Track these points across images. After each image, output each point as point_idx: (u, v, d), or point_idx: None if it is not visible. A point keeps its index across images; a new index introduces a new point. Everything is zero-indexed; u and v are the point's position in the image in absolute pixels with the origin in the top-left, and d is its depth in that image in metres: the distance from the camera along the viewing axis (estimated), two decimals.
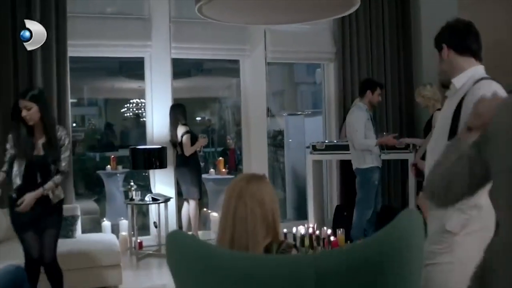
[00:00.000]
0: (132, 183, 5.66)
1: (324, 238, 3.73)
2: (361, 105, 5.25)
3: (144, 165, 5.47)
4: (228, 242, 1.92)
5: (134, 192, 5.51)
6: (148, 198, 5.51)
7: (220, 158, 7.91)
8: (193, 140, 5.82)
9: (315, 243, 3.60)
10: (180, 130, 5.77)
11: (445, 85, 2.44)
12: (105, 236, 5.30)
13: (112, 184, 9.13)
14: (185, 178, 5.82)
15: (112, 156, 8.67)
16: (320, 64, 6.99)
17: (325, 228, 3.89)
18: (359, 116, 5.17)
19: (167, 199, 5.52)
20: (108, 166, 8.29)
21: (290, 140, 8.12)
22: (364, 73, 6.51)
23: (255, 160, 6.35)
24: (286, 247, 1.99)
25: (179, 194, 6.08)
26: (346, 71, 6.51)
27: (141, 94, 11.72)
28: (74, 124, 10.98)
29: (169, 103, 5.96)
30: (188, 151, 5.73)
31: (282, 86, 11.47)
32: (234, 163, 9.41)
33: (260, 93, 6.38)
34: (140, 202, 5.54)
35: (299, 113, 8.95)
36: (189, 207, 5.89)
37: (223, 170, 7.32)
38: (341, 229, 3.85)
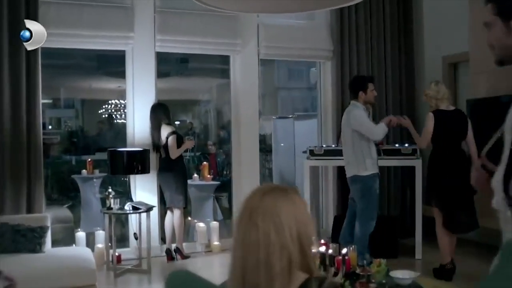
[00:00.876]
0: (110, 190, 5.03)
1: (334, 256, 3.19)
2: (358, 104, 4.72)
3: (124, 170, 4.82)
4: (239, 279, 1.33)
5: (112, 200, 4.86)
6: (128, 206, 4.86)
7: (205, 162, 7.31)
8: (179, 142, 5.21)
9: (327, 263, 3.05)
10: (165, 130, 5.15)
11: (504, 62, 1.93)
12: (79, 250, 4.65)
13: (88, 190, 8.49)
14: (169, 184, 5.19)
15: (89, 160, 8.15)
16: (316, 62, 6.44)
17: (333, 244, 3.36)
18: (360, 112, 4.65)
19: (149, 208, 4.88)
20: (84, 170, 7.66)
21: (282, 144, 7.58)
22: (363, 71, 5.99)
23: (246, 164, 5.76)
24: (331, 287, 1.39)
25: (161, 201, 5.46)
26: (345, 70, 5.97)
27: (120, 95, 11.17)
28: (50, 127, 10.67)
29: (152, 102, 5.34)
30: (174, 153, 5.12)
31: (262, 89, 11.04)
32: (216, 168, 8.81)
33: (252, 93, 5.79)
34: (119, 212, 4.87)
35: (290, 116, 8.39)
36: (173, 217, 5.26)
37: (208, 175, 6.72)
38: (352, 246, 3.33)
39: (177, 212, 5.23)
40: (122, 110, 10.79)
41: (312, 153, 5.38)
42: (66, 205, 8.71)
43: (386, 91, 6.16)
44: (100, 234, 5.28)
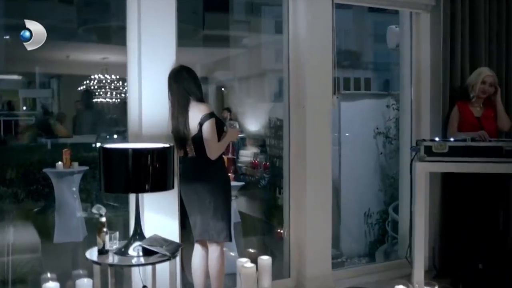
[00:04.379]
0: (99, 209, 2.77)
1: None
2: None
3: (129, 185, 2.48)
4: None
5: (106, 237, 2.58)
6: (135, 250, 2.60)
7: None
8: (219, 131, 2.98)
9: None
10: (197, 111, 2.91)
11: None
12: None
13: (64, 189, 6.28)
14: (202, 204, 2.94)
15: (66, 149, 6.01)
16: (401, 16, 4.21)
17: None
18: None
19: (174, 251, 2.62)
20: (60, 162, 5.81)
21: (347, 134, 5.43)
22: (479, 33, 3.84)
23: (313, 161, 3.54)
24: None
25: (182, 226, 3.22)
26: (456, 26, 3.79)
27: (104, 68, 8.86)
28: (24, 108, 9.52)
29: (169, 68, 3.07)
30: (214, 150, 2.89)
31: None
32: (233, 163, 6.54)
33: (323, 52, 3.55)
34: (121, 264, 2.57)
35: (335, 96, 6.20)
36: (209, 256, 3.04)
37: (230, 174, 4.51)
38: None
39: (215, 250, 2.99)
40: (107, 88, 8.51)
41: (429, 150, 3.20)
42: (36, 209, 6.48)
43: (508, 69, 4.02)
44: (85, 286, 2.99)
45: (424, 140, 3.36)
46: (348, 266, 4.59)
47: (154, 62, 3.07)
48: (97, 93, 8.67)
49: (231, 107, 8.34)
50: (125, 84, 8.73)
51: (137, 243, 2.58)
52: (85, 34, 7.40)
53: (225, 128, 3.06)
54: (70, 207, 6.26)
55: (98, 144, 9.40)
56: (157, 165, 2.49)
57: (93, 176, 6.27)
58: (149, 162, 2.47)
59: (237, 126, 3.18)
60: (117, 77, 8.74)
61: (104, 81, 8.57)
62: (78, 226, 6.30)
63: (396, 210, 5.15)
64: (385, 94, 5.87)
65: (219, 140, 2.96)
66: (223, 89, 10.14)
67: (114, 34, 7.18)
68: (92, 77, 8.72)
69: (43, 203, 6.62)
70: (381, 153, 5.84)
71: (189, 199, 3.02)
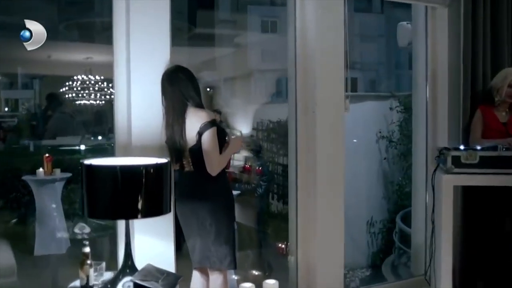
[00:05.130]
0: (84, 227, 2.31)
1: None
2: None
3: (115, 210, 2.03)
4: None
5: (91, 271, 2.14)
6: (125, 286, 2.16)
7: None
8: (221, 140, 2.56)
9: None
10: (196, 118, 2.48)
11: None
12: None
13: (45, 197, 5.82)
14: (202, 226, 2.51)
15: (47, 155, 5.52)
16: (416, 11, 3.83)
17: None
18: None
19: (171, 285, 2.19)
20: (41, 169, 5.35)
21: (355, 141, 5.02)
22: (501, 31, 3.48)
23: (325, 172, 3.13)
24: None
25: (177, 249, 2.79)
26: (478, 22, 3.41)
27: (88, 69, 8.42)
28: (6, 109, 9.24)
29: (162, 68, 2.64)
30: (215, 163, 2.46)
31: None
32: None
33: (334, 49, 3.14)
34: None
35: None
36: (210, 284, 2.61)
37: None
38: None
39: (217, 278, 2.55)
40: (91, 89, 8.03)
41: (457, 161, 2.81)
42: (14, 221, 6.00)
43: None
44: None
45: (447, 148, 2.97)
46: (362, 286, 4.21)
47: (145, 63, 2.63)
48: (80, 95, 8.17)
49: (221, 109, 7.93)
50: (110, 85, 8.29)
51: (127, 278, 2.14)
52: (67, 32, 6.90)
53: (227, 138, 2.64)
54: (52, 217, 5.83)
55: (83, 146, 8.90)
56: (152, 186, 2.05)
57: (77, 183, 5.81)
58: (141, 182, 2.03)
59: (240, 135, 2.76)
60: (102, 78, 8.28)
61: (87, 82, 8.07)
62: (61, 237, 5.87)
63: (404, 219, 4.78)
64: (387, 95, 5.51)
65: (220, 152, 2.53)
66: (208, 89, 9.74)
67: (99, 31, 6.74)
68: (75, 77, 8.22)
69: (22, 212, 6.16)
70: (385, 159, 5.46)
71: (186, 220, 2.59)
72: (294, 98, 3.21)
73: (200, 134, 2.46)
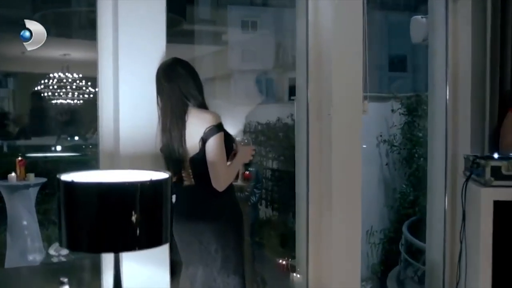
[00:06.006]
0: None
1: None
2: None
3: (102, 243, 1.53)
4: None
5: None
6: None
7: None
8: (228, 149, 2.11)
9: None
10: (199, 121, 2.03)
11: None
12: None
13: (18, 204, 5.43)
14: (205, 251, 2.07)
15: (19, 159, 5.26)
16: (433, 2, 3.44)
17: None
18: None
19: None
20: (13, 174, 5.08)
21: (364, 146, 4.66)
22: None
23: (341, 182, 2.71)
24: None
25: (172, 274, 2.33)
26: (507, 18, 3.04)
27: (65, 66, 7.92)
28: None
29: (156, 63, 2.18)
30: (222, 176, 2.02)
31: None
32: None
33: (352, 44, 2.73)
34: None
35: None
36: None
37: None
38: None
39: None
40: (69, 88, 7.52)
41: (497, 172, 2.42)
42: None
43: None
44: None
45: (483, 157, 2.58)
46: None
47: (137, 59, 2.19)
48: (56, 94, 7.63)
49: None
50: (89, 83, 7.76)
51: None
52: (42, 24, 6.34)
53: (234, 145, 2.19)
54: (25, 226, 5.38)
55: (59, 147, 8.32)
56: (149, 209, 1.59)
57: (53, 188, 5.33)
58: (135, 205, 1.56)
59: (249, 142, 2.32)
60: (80, 76, 7.78)
61: (65, 80, 7.53)
62: (35, 246, 5.42)
63: (410, 229, 4.42)
64: (389, 96, 5.14)
65: (228, 160, 2.09)
66: None
67: (79, 25, 6.26)
68: (52, 75, 7.68)
69: None
70: (386, 164, 5.09)
71: (185, 244, 2.13)
72: (305, 99, 2.79)
73: (204, 140, 2.01)
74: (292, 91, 8.79)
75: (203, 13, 8.81)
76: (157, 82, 2.11)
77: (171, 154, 2.08)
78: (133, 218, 1.55)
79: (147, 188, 1.60)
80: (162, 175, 1.70)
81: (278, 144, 6.64)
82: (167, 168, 2.10)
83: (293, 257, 4.39)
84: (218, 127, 2.03)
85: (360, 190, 2.80)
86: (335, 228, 2.71)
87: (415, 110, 4.80)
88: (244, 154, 2.20)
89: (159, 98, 2.11)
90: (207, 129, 2.01)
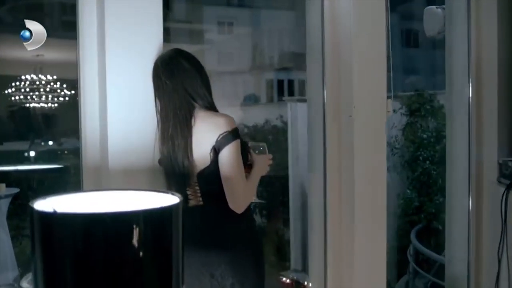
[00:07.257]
0: None
1: None
2: None
3: None
4: None
5: None
6: None
7: None
8: (244, 158, 1.70)
9: None
10: (209, 126, 1.61)
11: None
12: None
13: None
14: (219, 286, 1.65)
15: None
16: None
17: None
18: None
19: None
20: None
21: None
22: None
23: (365, 192, 2.35)
24: None
25: None
26: None
27: (38, 67, 7.38)
28: None
29: (153, 56, 1.76)
30: (240, 195, 1.61)
31: None
32: None
33: (375, 39, 2.36)
34: None
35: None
36: None
37: None
38: None
39: None
40: (42, 90, 6.97)
41: None
42: None
43: None
44: None
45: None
46: None
47: (128, 58, 1.76)
48: (29, 97, 7.08)
49: None
50: (65, 85, 7.21)
51: None
52: (11, 22, 5.82)
53: (249, 156, 1.78)
54: None
55: (32, 153, 7.74)
56: (153, 249, 1.16)
57: (26, 198, 4.84)
58: (138, 242, 1.13)
59: (265, 149, 1.92)
60: (55, 77, 7.24)
61: (38, 83, 6.97)
62: (6, 263, 4.89)
63: (417, 237, 4.07)
64: (388, 96, 4.78)
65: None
66: None
67: (53, 22, 5.75)
68: (23, 77, 7.10)
69: None
70: (387, 168, 4.73)
71: (194, 278, 1.70)
72: (322, 99, 2.39)
73: (217, 150, 1.59)
74: (280, 91, 8.41)
75: (178, 14, 8.48)
76: (154, 79, 1.69)
77: (173, 168, 1.65)
78: (135, 261, 1.12)
79: (152, 219, 1.17)
80: (170, 198, 1.26)
81: (268, 148, 6.24)
82: (168, 185, 1.68)
83: (287, 268, 3.99)
84: (234, 134, 1.62)
85: (386, 201, 2.43)
86: (358, 247, 2.33)
87: (417, 110, 4.46)
88: (262, 165, 1.79)
89: (157, 99, 1.68)
90: (220, 136, 1.60)
